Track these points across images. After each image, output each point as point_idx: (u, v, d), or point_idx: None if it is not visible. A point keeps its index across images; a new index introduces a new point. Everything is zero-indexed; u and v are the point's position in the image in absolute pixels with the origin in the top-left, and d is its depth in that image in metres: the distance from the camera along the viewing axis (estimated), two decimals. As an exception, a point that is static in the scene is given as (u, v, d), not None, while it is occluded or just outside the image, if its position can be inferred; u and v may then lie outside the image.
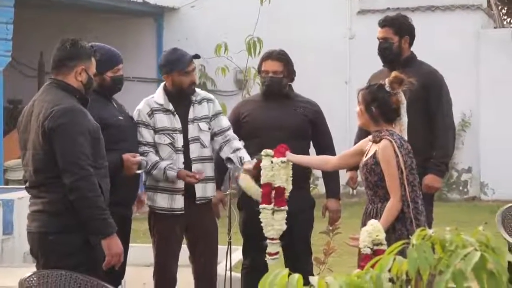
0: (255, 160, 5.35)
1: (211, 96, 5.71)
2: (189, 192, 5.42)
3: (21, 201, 7.66)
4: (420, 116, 5.64)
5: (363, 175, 4.81)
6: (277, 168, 5.21)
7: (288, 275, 2.13)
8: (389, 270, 2.20)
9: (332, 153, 5.68)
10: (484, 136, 14.36)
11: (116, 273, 4.83)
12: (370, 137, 4.87)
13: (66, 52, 4.49)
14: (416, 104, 5.42)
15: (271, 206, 5.23)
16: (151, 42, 15.87)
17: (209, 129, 5.55)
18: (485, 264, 2.12)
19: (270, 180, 5.22)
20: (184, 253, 5.60)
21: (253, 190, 5.31)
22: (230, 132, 5.59)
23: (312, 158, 5.58)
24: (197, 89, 5.61)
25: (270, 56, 5.81)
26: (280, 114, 5.75)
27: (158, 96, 5.53)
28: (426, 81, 5.67)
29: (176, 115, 5.48)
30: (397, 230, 4.63)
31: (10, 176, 12.22)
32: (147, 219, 5.62)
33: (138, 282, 6.81)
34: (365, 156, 4.82)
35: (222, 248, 5.85)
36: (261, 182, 5.26)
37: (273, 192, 5.22)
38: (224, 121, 5.64)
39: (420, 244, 2.18)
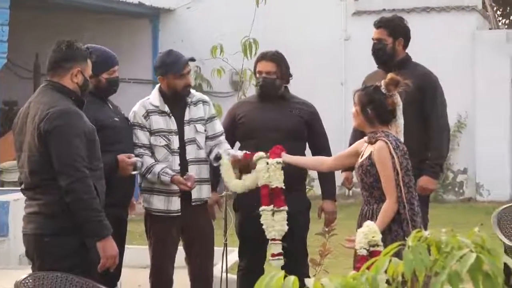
0: (244, 152, 5.37)
1: (206, 98, 5.71)
2: (185, 193, 5.42)
3: (17, 203, 7.64)
4: (415, 118, 5.64)
5: (359, 176, 4.81)
6: (272, 169, 5.22)
7: (284, 277, 2.13)
8: (385, 272, 2.21)
9: (328, 154, 5.68)
10: (480, 137, 14.35)
11: (112, 275, 4.83)
12: (365, 138, 4.87)
13: (62, 54, 4.48)
14: (411, 106, 5.43)
15: (271, 207, 5.24)
16: (147, 43, 15.83)
17: (205, 131, 5.56)
18: (481, 266, 2.12)
19: (267, 181, 5.23)
20: (180, 254, 5.60)
21: (230, 178, 5.32)
22: (222, 138, 5.60)
23: (307, 159, 5.59)
24: (192, 91, 5.61)
25: (265, 57, 5.82)
26: (276, 116, 5.75)
27: (154, 97, 5.53)
28: (421, 82, 5.67)
29: (172, 117, 5.48)
30: (393, 232, 4.63)
31: (5, 177, 12.19)
32: (143, 221, 5.62)
33: (134, 284, 6.81)
34: (361, 157, 4.82)
35: (218, 250, 5.84)
36: (258, 184, 5.27)
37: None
38: (218, 126, 5.64)
39: (416, 245, 2.18)
